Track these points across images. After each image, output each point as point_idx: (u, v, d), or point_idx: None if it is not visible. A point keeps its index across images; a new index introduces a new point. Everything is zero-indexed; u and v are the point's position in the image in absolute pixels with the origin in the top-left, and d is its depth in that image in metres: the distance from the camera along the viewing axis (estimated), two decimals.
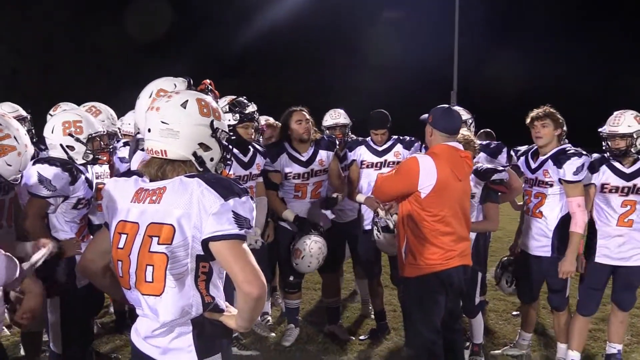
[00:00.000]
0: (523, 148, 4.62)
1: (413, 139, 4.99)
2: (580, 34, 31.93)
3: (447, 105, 3.84)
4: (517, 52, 30.89)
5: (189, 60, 26.92)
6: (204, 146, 2.04)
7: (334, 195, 4.83)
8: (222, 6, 32.70)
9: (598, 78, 29.80)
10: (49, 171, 3.36)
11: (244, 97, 4.39)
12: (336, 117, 5.55)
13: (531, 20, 35.07)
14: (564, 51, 32.18)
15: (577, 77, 28.27)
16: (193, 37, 32.58)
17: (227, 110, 4.19)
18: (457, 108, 4.83)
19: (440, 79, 26.87)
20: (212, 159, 2.07)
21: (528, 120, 4.30)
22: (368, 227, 4.77)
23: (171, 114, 2.01)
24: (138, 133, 4.19)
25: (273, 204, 4.77)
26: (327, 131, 5.51)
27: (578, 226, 4.08)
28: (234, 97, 4.33)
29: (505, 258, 4.78)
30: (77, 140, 3.55)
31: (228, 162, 2.20)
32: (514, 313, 5.58)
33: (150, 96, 2.85)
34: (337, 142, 5.15)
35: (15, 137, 3.04)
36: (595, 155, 4.25)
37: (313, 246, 4.55)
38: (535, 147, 4.39)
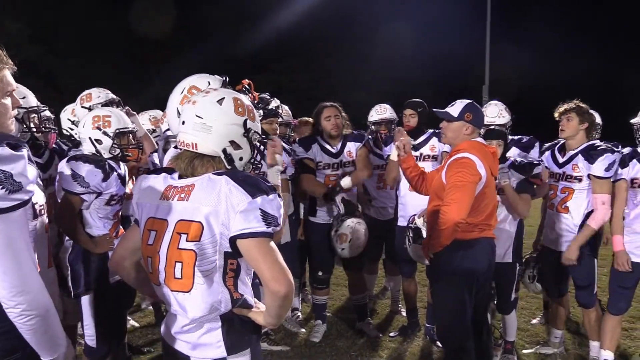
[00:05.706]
0: (547, 144, 4.56)
1: None
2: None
3: (470, 100, 3.62)
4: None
5: (220, 56, 27.15)
6: (235, 144, 2.05)
7: (338, 184, 4.71)
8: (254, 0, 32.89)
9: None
10: (82, 168, 3.40)
11: (267, 93, 4.42)
12: (382, 112, 5.45)
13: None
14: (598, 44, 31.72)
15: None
16: (224, 33, 32.85)
17: None
18: (495, 102, 4.82)
19: (470, 73, 26.72)
20: (241, 159, 2.07)
21: (556, 114, 4.24)
22: (401, 224, 4.72)
23: (206, 109, 2.03)
24: (167, 130, 4.24)
25: (310, 186, 4.80)
26: (373, 127, 5.43)
27: (595, 222, 4.04)
28: (256, 93, 4.35)
29: (528, 255, 4.67)
30: (105, 133, 3.59)
31: (258, 165, 2.20)
32: (533, 322, 5.38)
33: (182, 93, 2.85)
34: (381, 138, 5.17)
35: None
36: (626, 150, 4.10)
37: (357, 227, 4.57)
38: (562, 141, 4.31)
